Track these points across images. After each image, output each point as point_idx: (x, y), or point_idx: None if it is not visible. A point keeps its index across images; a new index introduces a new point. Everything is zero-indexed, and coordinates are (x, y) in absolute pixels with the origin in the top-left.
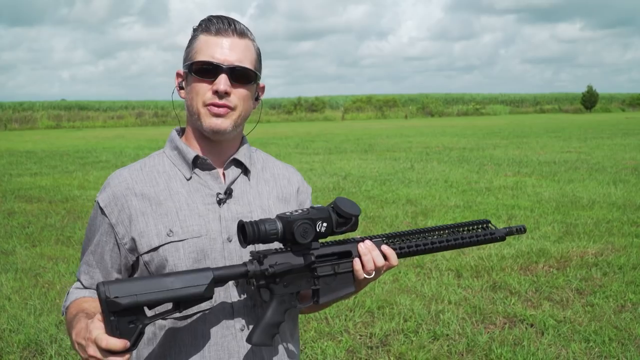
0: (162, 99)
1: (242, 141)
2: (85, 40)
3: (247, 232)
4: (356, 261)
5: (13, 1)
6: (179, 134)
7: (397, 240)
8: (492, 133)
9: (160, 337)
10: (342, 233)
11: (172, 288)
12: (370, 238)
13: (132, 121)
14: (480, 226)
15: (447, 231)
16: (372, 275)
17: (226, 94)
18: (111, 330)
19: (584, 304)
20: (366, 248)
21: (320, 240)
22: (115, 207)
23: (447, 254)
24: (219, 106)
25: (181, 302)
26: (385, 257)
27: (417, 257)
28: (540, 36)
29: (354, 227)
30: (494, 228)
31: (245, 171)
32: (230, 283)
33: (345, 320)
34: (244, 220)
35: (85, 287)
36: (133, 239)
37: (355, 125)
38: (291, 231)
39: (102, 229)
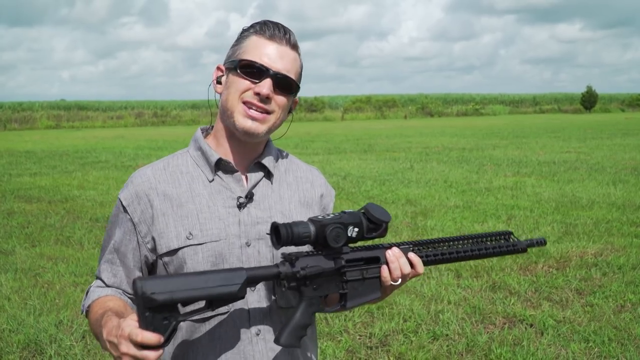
0: (161, 99)
1: (268, 144)
2: (85, 41)
3: (280, 234)
4: (384, 268)
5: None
6: (203, 134)
7: (424, 248)
8: (491, 133)
9: (178, 339)
10: (372, 239)
11: (207, 286)
12: (398, 245)
13: (131, 121)
14: (502, 237)
15: (471, 241)
16: (398, 282)
17: (267, 98)
18: (145, 326)
19: (583, 304)
20: (394, 255)
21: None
22: (138, 206)
23: None
24: (257, 108)
25: (214, 301)
26: (411, 264)
27: None
28: (539, 36)
29: (383, 233)
30: (516, 240)
31: (268, 174)
32: (248, 288)
33: (344, 320)
34: (263, 225)
35: (107, 286)
36: (154, 239)
37: (354, 126)
38: (323, 235)
39: (124, 227)
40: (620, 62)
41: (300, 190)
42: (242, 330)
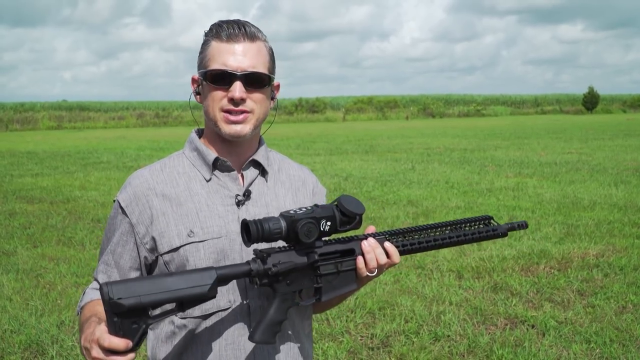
0: (163, 99)
1: (260, 142)
2: (87, 41)
3: (250, 231)
4: (359, 259)
5: (15, 2)
6: (198, 135)
7: (400, 238)
8: (493, 134)
9: (179, 336)
10: (345, 231)
11: (175, 288)
12: (373, 235)
13: (133, 122)
14: (482, 222)
15: (449, 228)
16: (374, 273)
17: (242, 100)
18: (115, 331)
19: (585, 305)
20: (369, 246)
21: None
22: (137, 207)
23: (448, 254)
24: (236, 113)
25: (184, 302)
26: (387, 254)
27: (418, 257)
28: (541, 37)
29: (357, 226)
30: (496, 224)
31: (263, 172)
32: (248, 284)
33: (346, 321)
34: (265, 215)
35: None
36: (153, 239)
37: (356, 126)
38: (295, 230)
39: (122, 229)
40: (622, 63)
41: (293, 189)
42: (242, 326)
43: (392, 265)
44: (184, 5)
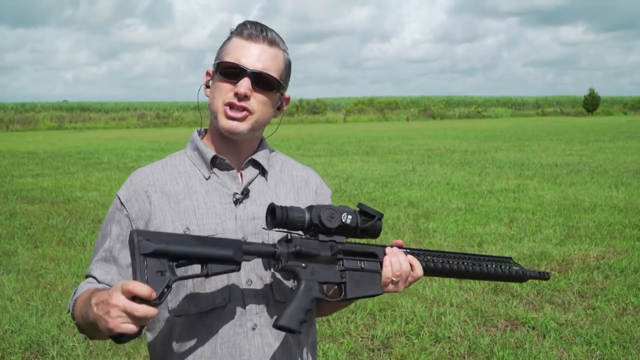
0: (164, 100)
1: (262, 143)
2: (89, 42)
3: (276, 214)
4: (385, 260)
5: (17, 2)
6: (200, 135)
7: (422, 256)
8: (493, 136)
9: (175, 332)
10: (365, 235)
11: (203, 246)
12: (400, 246)
13: (133, 122)
14: (506, 264)
15: (472, 261)
16: (398, 279)
17: (245, 97)
18: (140, 277)
19: (585, 307)
20: (393, 251)
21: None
22: (136, 203)
23: None
24: (237, 108)
25: (210, 262)
26: (410, 266)
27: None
28: (542, 39)
29: (377, 230)
30: (517, 267)
31: (263, 172)
32: (244, 282)
33: (346, 322)
34: (259, 220)
35: (99, 282)
36: None
37: (357, 128)
38: (318, 216)
39: (121, 224)
40: (623, 65)
41: (295, 189)
42: (239, 324)
43: (415, 279)
44: (185, 6)
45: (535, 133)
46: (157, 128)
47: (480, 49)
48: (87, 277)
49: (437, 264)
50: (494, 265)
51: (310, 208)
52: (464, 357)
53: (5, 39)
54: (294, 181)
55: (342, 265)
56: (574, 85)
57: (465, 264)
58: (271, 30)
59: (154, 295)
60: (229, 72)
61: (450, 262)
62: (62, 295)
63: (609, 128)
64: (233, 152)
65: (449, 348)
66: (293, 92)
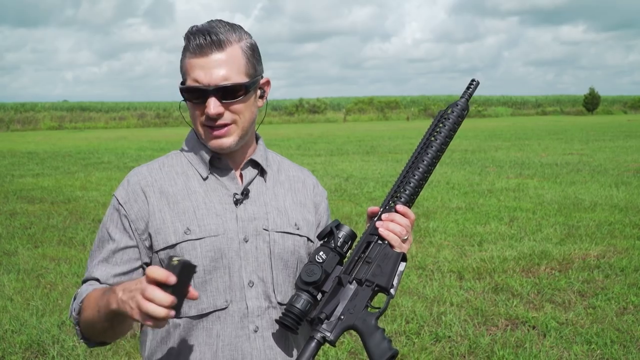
0: (164, 100)
1: (258, 141)
2: (89, 42)
3: (288, 326)
4: (382, 232)
5: (18, 2)
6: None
7: (399, 195)
8: (494, 135)
9: (175, 336)
10: (347, 244)
11: None
12: (379, 216)
13: (134, 122)
14: (446, 112)
15: (422, 156)
16: (406, 236)
17: (218, 115)
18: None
19: (586, 306)
20: (381, 222)
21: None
22: (135, 203)
23: (449, 257)
24: (217, 127)
25: None
26: (404, 215)
27: (419, 258)
28: (543, 38)
29: (348, 235)
30: (456, 103)
31: (262, 172)
32: (246, 283)
33: None
34: (260, 220)
35: (101, 284)
36: (150, 236)
37: (357, 127)
38: (302, 281)
39: (121, 225)
40: (623, 64)
41: (292, 190)
42: (240, 327)
43: (413, 220)
44: (187, 6)
45: (535, 132)
46: (157, 128)
47: (480, 48)
48: (86, 280)
49: (408, 190)
50: (438, 138)
51: (299, 285)
52: (465, 357)
53: (6, 39)
54: (291, 181)
55: (355, 282)
56: (574, 84)
57: (421, 164)
58: (218, 29)
59: (172, 279)
60: (192, 96)
61: (415, 176)
62: (62, 295)
63: (609, 127)
64: (231, 153)
65: (449, 347)
66: (293, 92)
